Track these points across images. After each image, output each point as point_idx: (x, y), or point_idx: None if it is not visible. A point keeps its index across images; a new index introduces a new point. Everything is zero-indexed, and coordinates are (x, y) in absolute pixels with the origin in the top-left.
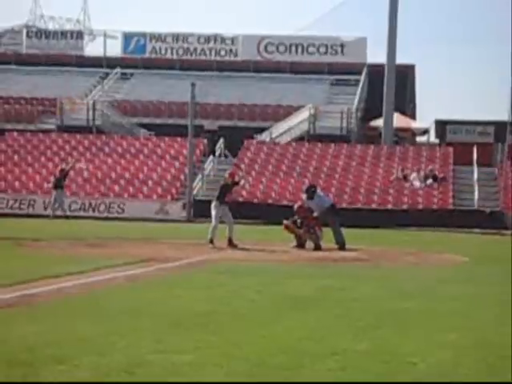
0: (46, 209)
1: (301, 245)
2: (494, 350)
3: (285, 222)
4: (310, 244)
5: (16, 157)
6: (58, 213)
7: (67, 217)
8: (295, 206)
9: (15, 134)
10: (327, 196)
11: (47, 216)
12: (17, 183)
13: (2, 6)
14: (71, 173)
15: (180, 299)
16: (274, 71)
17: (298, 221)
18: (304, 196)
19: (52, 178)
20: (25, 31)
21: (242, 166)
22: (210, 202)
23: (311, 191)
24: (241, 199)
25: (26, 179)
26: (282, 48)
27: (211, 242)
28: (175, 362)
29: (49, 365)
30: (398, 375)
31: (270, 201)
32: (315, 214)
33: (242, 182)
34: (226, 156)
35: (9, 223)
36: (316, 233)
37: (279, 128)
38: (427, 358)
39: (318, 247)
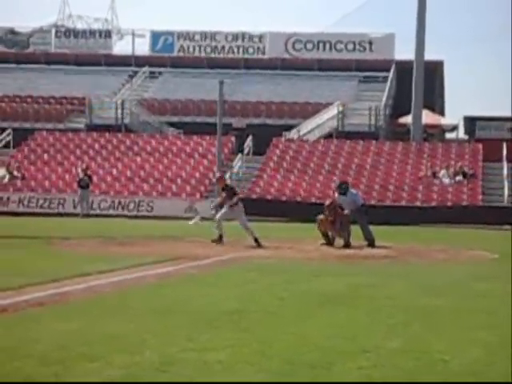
0: (75, 207)
1: (329, 242)
2: None
3: (319, 217)
4: (338, 241)
5: (45, 156)
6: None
7: (88, 215)
8: (326, 203)
9: (45, 133)
10: (358, 194)
11: (77, 215)
12: (46, 182)
13: (31, 5)
14: (100, 172)
15: (210, 297)
16: (302, 69)
17: (330, 218)
18: (336, 193)
19: (77, 177)
20: (54, 31)
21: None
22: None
23: (344, 187)
24: (269, 197)
25: (55, 178)
26: (309, 45)
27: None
28: (207, 360)
29: (81, 363)
30: (430, 373)
31: (298, 198)
32: (346, 212)
33: None
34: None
35: (39, 222)
36: (348, 229)
37: (307, 125)
38: (459, 356)
39: (347, 244)
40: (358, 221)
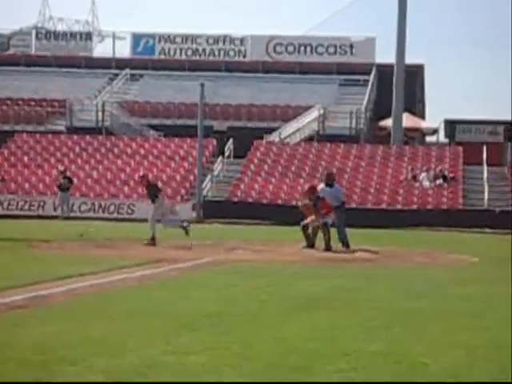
0: (55, 210)
1: (311, 245)
2: (506, 350)
3: (303, 202)
4: (319, 244)
5: (26, 158)
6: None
7: (69, 218)
8: (305, 187)
9: (25, 135)
10: (342, 190)
11: (57, 217)
12: (26, 185)
13: (11, 7)
14: (80, 174)
15: (191, 300)
16: (283, 72)
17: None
18: (320, 184)
19: (57, 181)
20: (34, 33)
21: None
22: (219, 202)
23: (331, 179)
24: (250, 200)
25: (35, 180)
26: (290, 48)
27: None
28: (187, 363)
29: (61, 366)
30: (411, 376)
31: (279, 201)
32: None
33: None
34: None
35: (19, 225)
36: (329, 233)
37: (288, 128)
38: (439, 359)
39: (328, 247)
40: (335, 220)
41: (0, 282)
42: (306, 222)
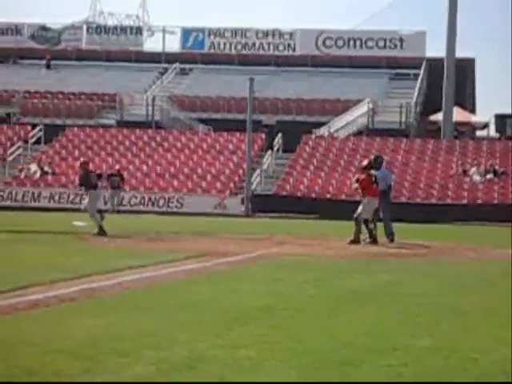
0: (105, 203)
1: (356, 240)
2: None
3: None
4: (363, 237)
5: (76, 152)
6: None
7: (118, 212)
8: (363, 163)
9: (75, 129)
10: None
11: (107, 211)
12: (77, 178)
13: (62, 2)
14: (130, 168)
15: (239, 294)
16: (333, 66)
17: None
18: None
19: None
20: (85, 27)
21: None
22: (268, 196)
23: (379, 161)
24: (299, 194)
25: None
26: (340, 42)
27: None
28: (236, 356)
29: (111, 358)
30: (460, 371)
31: (328, 195)
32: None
33: None
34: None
35: (70, 218)
36: (375, 226)
37: (338, 123)
38: (489, 354)
39: (374, 241)
40: (380, 208)
41: (51, 274)
42: (357, 212)
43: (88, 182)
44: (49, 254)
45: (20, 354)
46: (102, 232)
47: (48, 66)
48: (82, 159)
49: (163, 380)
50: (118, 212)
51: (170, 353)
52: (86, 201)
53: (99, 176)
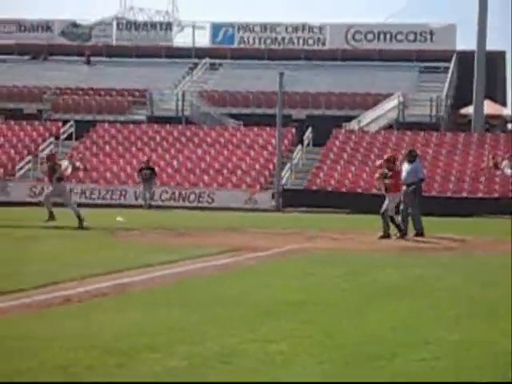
0: (137, 199)
1: (386, 235)
2: None
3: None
4: (393, 230)
5: (107, 147)
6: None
7: (150, 206)
8: (385, 157)
9: (106, 125)
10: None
11: (139, 206)
12: (108, 174)
13: None
14: (161, 163)
15: (271, 288)
16: (362, 59)
17: (387, 172)
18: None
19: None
20: (115, 23)
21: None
22: (298, 191)
23: (414, 154)
24: (330, 188)
25: (117, 170)
26: (370, 36)
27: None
28: (268, 351)
29: (143, 353)
30: (494, 365)
31: (358, 190)
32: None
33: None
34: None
35: (101, 213)
36: (406, 220)
37: (368, 116)
38: None
39: (403, 235)
40: (409, 202)
41: (83, 269)
42: (383, 207)
43: (54, 174)
44: (81, 249)
45: (53, 348)
46: (51, 217)
47: (88, 62)
48: (47, 153)
49: (195, 374)
50: (150, 207)
51: (202, 347)
52: (48, 191)
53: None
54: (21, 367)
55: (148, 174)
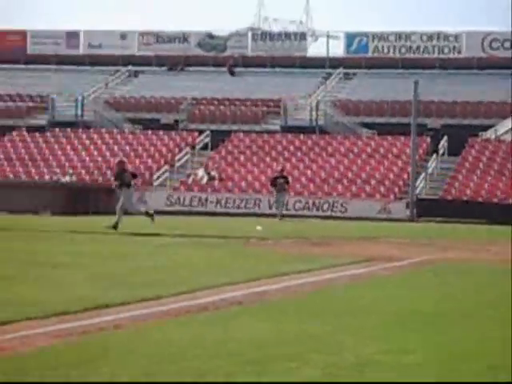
0: (270, 208)
1: None
2: None
3: None
4: None
5: (242, 157)
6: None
7: (283, 216)
8: None
9: (241, 134)
10: None
11: (272, 215)
12: (243, 183)
13: (227, 9)
14: (295, 173)
15: (405, 299)
16: (499, 67)
17: None
18: None
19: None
20: (250, 34)
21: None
22: (433, 200)
23: None
24: (465, 198)
25: (251, 179)
26: (507, 44)
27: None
28: (404, 362)
29: (279, 362)
30: None
31: (495, 200)
32: None
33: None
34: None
35: (235, 222)
36: None
37: (505, 125)
38: None
39: None
40: None
41: (218, 278)
42: None
43: (122, 180)
44: (217, 257)
45: (191, 355)
46: (115, 226)
47: (231, 72)
48: (118, 159)
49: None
50: (283, 216)
51: (338, 357)
52: (121, 199)
53: (134, 176)
54: (159, 374)
55: (282, 184)
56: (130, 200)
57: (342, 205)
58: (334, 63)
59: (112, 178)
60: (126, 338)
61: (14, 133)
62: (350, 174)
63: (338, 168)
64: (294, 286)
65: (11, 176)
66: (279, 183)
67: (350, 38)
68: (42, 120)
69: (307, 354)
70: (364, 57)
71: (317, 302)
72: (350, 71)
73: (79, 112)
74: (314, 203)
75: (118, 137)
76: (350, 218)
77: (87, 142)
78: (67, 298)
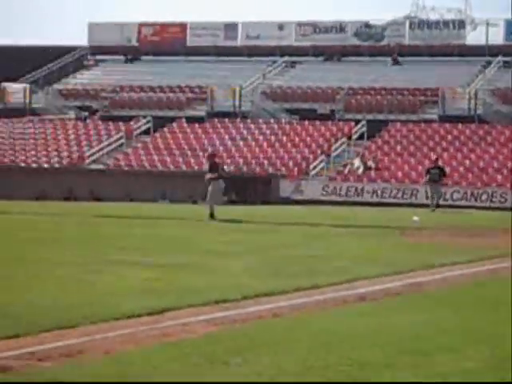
0: (427, 198)
1: None
2: None
3: None
4: None
5: (398, 147)
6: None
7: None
8: None
9: (398, 124)
10: None
11: (428, 206)
12: (399, 173)
13: None
14: (453, 163)
15: None
16: None
17: None
18: None
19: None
20: (407, 23)
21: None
22: None
23: None
24: None
25: (408, 169)
26: None
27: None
28: None
29: (438, 354)
30: None
31: None
32: None
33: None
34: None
35: (391, 213)
36: None
37: None
38: None
39: None
40: None
41: (373, 268)
42: None
43: (213, 172)
44: (374, 248)
45: (350, 345)
46: (211, 217)
47: (396, 61)
48: (209, 151)
49: (489, 377)
50: (438, 206)
51: (500, 349)
52: (210, 191)
53: (222, 168)
54: (318, 363)
55: (436, 175)
56: (218, 193)
57: (501, 195)
58: (493, 51)
59: (206, 170)
60: (285, 326)
61: (174, 124)
62: (509, 164)
63: (498, 158)
64: (452, 277)
65: (171, 167)
66: (432, 173)
67: (510, 25)
68: (201, 111)
69: (467, 345)
70: None
71: (476, 294)
72: (510, 59)
73: (237, 103)
74: (472, 193)
75: (275, 127)
76: (510, 209)
77: (245, 132)
78: (225, 286)
